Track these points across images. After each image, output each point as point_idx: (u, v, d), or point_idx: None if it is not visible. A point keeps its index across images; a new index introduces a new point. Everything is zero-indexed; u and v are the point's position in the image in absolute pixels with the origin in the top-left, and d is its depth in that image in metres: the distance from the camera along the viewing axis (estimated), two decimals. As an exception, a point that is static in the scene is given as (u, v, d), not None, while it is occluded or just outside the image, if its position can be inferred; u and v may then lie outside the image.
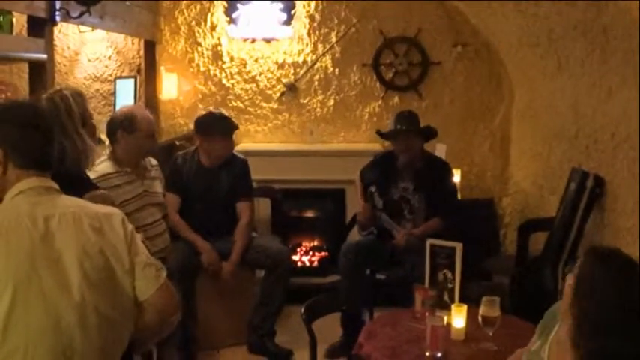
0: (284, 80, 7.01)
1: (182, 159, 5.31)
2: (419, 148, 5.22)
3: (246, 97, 7.07)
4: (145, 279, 2.31)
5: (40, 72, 4.56)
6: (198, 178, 5.24)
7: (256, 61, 7.03)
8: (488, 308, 3.35)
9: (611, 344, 2.10)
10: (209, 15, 6.99)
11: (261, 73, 7.04)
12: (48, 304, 2.12)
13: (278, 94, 7.05)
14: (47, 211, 2.22)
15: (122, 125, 4.48)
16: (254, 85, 7.06)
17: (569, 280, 2.27)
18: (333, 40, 6.92)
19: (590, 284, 2.17)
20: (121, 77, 6.88)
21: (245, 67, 7.04)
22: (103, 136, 4.61)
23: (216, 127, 5.16)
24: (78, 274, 2.16)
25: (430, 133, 5.27)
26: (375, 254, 5.21)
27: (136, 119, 4.48)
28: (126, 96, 6.45)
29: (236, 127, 5.30)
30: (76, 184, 2.76)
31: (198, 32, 7.02)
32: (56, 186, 2.34)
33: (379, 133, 5.47)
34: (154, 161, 4.80)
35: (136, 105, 5.33)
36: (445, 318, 3.40)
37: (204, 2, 6.98)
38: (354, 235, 5.83)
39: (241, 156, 5.45)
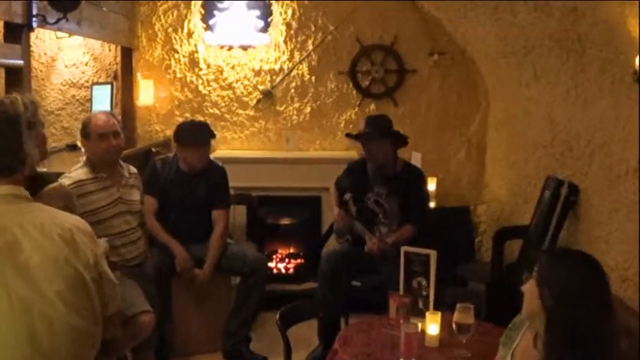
0: (260, 87, 7.01)
1: (161, 163, 5.31)
2: (390, 155, 5.20)
3: (223, 104, 7.07)
4: (110, 296, 2.34)
5: (16, 78, 4.55)
6: (177, 183, 5.24)
7: (233, 68, 7.03)
8: (463, 315, 3.35)
9: (579, 338, 2.14)
10: (186, 22, 6.98)
11: (237, 81, 7.04)
12: (17, 314, 2.10)
13: (254, 102, 7.05)
14: (15, 219, 2.19)
15: (81, 132, 4.41)
16: (230, 92, 7.05)
17: (529, 286, 2.30)
18: (310, 47, 6.94)
19: (554, 284, 2.20)
20: (97, 83, 6.84)
21: (222, 74, 7.04)
22: (79, 143, 4.56)
23: (190, 136, 5.18)
24: (46, 283, 2.14)
25: (399, 138, 5.26)
26: (353, 261, 5.21)
27: (89, 124, 4.36)
28: (102, 102, 6.41)
29: (211, 137, 5.31)
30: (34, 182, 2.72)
31: (175, 39, 7.01)
32: (26, 193, 2.31)
33: (348, 135, 5.55)
34: (133, 169, 4.71)
35: (99, 111, 5.21)
36: (419, 325, 3.40)
37: (181, 9, 6.97)
38: (331, 244, 5.81)
39: (220, 164, 5.46)
